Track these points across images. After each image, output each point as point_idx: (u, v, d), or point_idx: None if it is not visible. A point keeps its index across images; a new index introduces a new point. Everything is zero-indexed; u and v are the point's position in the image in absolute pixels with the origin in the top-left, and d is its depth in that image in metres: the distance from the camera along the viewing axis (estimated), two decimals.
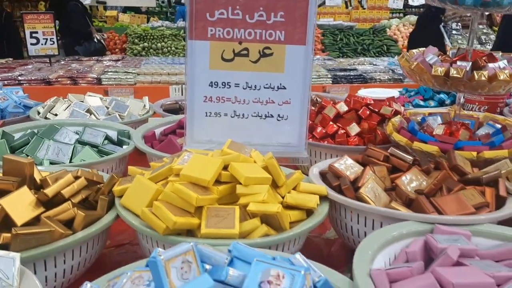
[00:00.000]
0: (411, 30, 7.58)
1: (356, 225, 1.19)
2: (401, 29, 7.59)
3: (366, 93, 2.18)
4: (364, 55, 6.83)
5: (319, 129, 1.73)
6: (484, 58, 1.49)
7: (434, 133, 1.56)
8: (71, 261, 1.03)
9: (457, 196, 1.15)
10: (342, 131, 1.71)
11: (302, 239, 1.15)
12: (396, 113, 1.78)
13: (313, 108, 1.91)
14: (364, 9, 9.20)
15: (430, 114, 1.76)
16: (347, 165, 1.32)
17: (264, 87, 1.46)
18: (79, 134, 1.66)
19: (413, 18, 7.83)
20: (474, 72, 1.38)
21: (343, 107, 1.79)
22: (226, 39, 1.43)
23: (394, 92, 2.21)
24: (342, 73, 4.59)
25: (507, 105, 2.14)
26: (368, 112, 1.76)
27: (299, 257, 0.85)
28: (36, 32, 4.69)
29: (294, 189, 1.20)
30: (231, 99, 1.46)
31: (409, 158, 1.35)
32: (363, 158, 1.36)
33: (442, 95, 2.29)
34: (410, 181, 1.27)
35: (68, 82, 4.31)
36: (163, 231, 0.99)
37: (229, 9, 1.41)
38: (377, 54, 6.95)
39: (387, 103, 1.81)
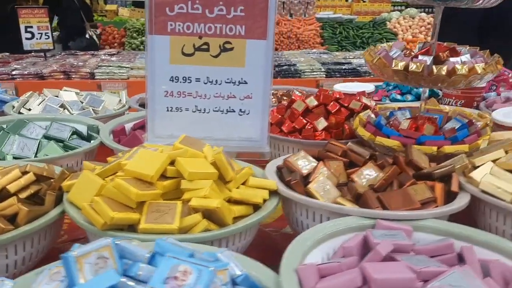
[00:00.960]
0: (411, 23, 7.54)
1: (305, 220, 1.19)
2: (401, 22, 7.53)
3: (342, 87, 2.17)
4: (363, 49, 6.78)
5: (287, 123, 1.73)
6: (446, 52, 1.48)
7: (399, 127, 1.56)
8: (14, 256, 1.04)
9: (405, 191, 1.15)
10: (310, 126, 1.71)
11: (249, 234, 1.14)
12: (366, 107, 1.77)
13: (285, 102, 1.90)
14: (365, 1, 9.14)
15: (400, 108, 1.75)
16: (302, 160, 1.32)
17: (225, 82, 1.46)
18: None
19: (414, 11, 7.76)
20: (433, 66, 1.37)
21: (312, 102, 1.78)
22: (186, 33, 1.43)
23: (370, 87, 2.20)
24: (337, 67, 4.57)
25: (484, 99, 2.13)
26: (337, 107, 1.76)
27: (226, 252, 0.86)
28: (31, 27, 4.71)
29: (244, 184, 1.21)
30: (192, 94, 1.46)
31: (366, 153, 1.35)
32: (319, 153, 1.36)
33: (420, 89, 2.28)
34: (365, 176, 1.27)
35: (62, 76, 4.32)
36: (101, 226, 1.00)
37: (189, 4, 1.41)
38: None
39: (357, 98, 1.81)
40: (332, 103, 1.76)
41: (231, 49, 1.44)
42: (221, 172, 1.15)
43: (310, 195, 1.17)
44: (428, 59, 1.42)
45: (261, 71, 1.46)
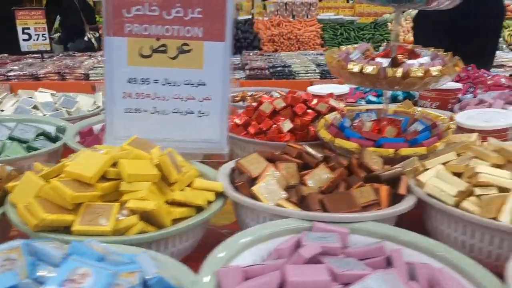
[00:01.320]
0: (412, 24, 7.49)
1: (251, 222, 1.18)
2: (402, 23, 7.50)
3: (317, 89, 2.16)
4: None
5: (253, 125, 1.73)
6: (405, 54, 1.47)
7: (362, 129, 1.55)
8: None
9: (348, 193, 1.14)
10: (276, 128, 1.71)
11: (192, 235, 1.14)
12: (333, 109, 1.77)
13: (254, 103, 1.90)
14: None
15: (367, 110, 1.74)
16: (254, 162, 1.31)
17: (184, 84, 1.46)
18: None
19: (415, 12, 7.71)
20: (387, 69, 1.37)
21: (280, 104, 1.78)
22: (143, 35, 1.43)
23: (345, 88, 2.19)
24: None
25: (460, 101, 2.11)
26: (304, 109, 1.75)
27: (145, 254, 0.86)
28: (28, 28, 4.74)
29: (189, 186, 1.21)
30: (151, 95, 1.47)
31: (319, 155, 1.34)
32: (271, 155, 1.35)
33: (397, 92, 2.27)
34: (316, 178, 1.27)
35: (56, 78, 4.34)
36: (34, 227, 1.00)
37: (146, 5, 1.41)
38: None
39: (325, 100, 1.80)
40: (299, 105, 1.76)
41: (189, 51, 1.44)
42: (165, 174, 1.15)
43: (254, 197, 1.17)
44: (385, 62, 1.41)
45: (219, 73, 1.46)
